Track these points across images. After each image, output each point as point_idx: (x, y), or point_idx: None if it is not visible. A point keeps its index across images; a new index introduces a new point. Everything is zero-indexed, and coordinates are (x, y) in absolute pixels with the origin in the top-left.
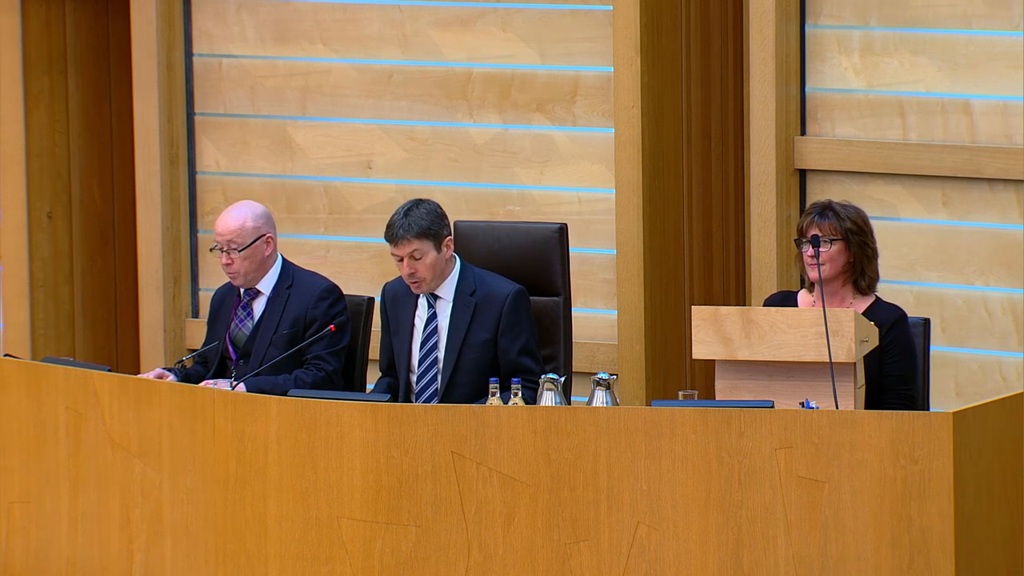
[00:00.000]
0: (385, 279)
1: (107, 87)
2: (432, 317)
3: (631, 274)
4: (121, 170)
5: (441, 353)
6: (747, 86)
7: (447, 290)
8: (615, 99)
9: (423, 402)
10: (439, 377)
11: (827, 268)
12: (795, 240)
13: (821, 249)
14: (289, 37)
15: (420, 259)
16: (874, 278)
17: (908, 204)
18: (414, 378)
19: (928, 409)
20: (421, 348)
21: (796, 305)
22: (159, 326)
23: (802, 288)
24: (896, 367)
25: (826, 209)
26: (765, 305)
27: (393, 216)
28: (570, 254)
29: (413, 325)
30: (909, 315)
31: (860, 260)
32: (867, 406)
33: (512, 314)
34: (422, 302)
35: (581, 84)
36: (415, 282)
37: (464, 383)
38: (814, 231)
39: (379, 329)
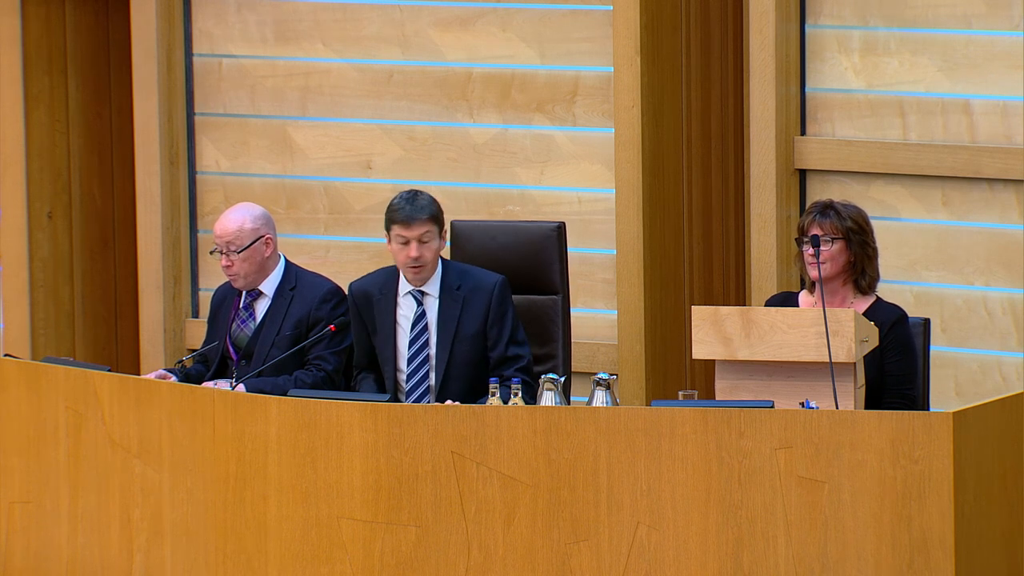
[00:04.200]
0: None
1: (107, 87)
2: (422, 315)
3: (631, 274)
4: (121, 170)
5: (433, 350)
6: (747, 86)
7: (433, 286)
8: (615, 99)
9: (415, 399)
10: (431, 374)
11: (828, 267)
12: (796, 239)
13: (822, 248)
14: (289, 37)
15: (427, 243)
16: (875, 277)
17: (908, 204)
18: (403, 376)
19: (928, 409)
20: (410, 346)
21: (797, 306)
22: (159, 326)
23: (803, 289)
24: (896, 367)
25: (827, 208)
26: (766, 306)
27: (396, 201)
28: (570, 254)
29: (396, 324)
30: (909, 315)
31: (861, 259)
32: (867, 406)
33: (500, 304)
34: (406, 301)
35: (581, 84)
36: (418, 267)
37: (457, 376)
38: (815, 230)
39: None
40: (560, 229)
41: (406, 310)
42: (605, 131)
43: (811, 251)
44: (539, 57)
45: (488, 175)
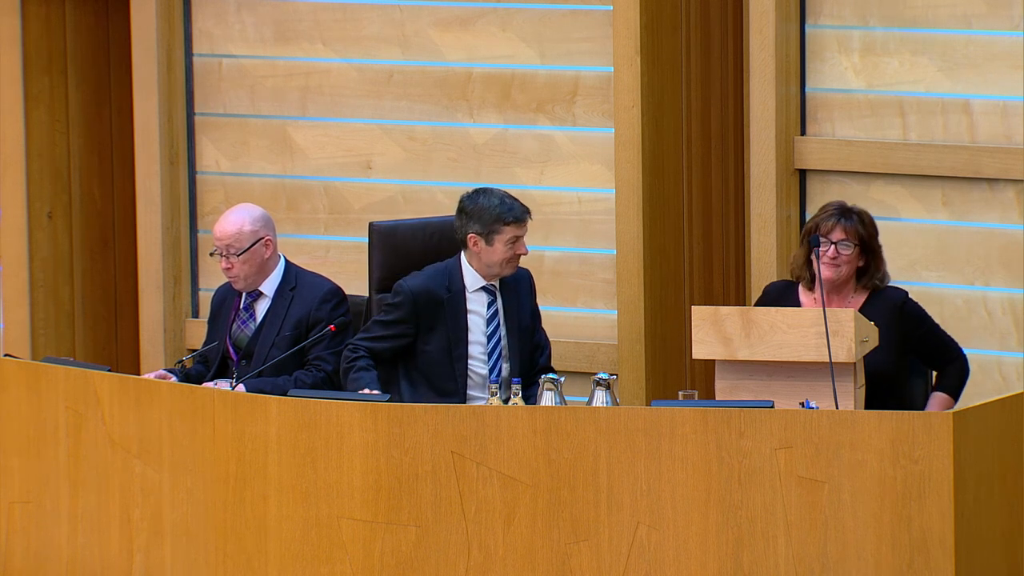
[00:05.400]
0: None
1: (107, 87)
2: (496, 310)
3: (631, 274)
4: (121, 170)
5: (504, 340)
6: (747, 86)
7: (495, 280)
8: (615, 99)
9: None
10: (503, 364)
11: (844, 270)
12: (811, 238)
13: (842, 253)
14: (289, 37)
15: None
16: (876, 276)
17: (908, 204)
18: (478, 369)
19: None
20: (489, 339)
21: (797, 295)
22: (159, 326)
23: (798, 283)
24: (934, 334)
25: (848, 212)
26: (767, 292)
27: (496, 204)
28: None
29: (467, 319)
30: None
31: (871, 262)
32: (909, 383)
33: (534, 294)
34: (477, 296)
35: (581, 84)
36: (517, 263)
37: (519, 363)
38: (839, 234)
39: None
40: None
41: (477, 305)
42: (605, 131)
43: (832, 252)
44: (539, 57)
45: (488, 175)
